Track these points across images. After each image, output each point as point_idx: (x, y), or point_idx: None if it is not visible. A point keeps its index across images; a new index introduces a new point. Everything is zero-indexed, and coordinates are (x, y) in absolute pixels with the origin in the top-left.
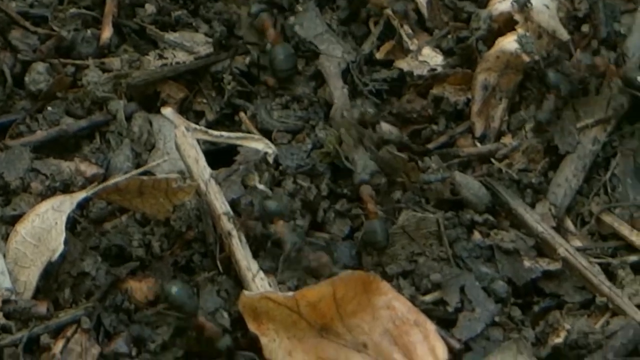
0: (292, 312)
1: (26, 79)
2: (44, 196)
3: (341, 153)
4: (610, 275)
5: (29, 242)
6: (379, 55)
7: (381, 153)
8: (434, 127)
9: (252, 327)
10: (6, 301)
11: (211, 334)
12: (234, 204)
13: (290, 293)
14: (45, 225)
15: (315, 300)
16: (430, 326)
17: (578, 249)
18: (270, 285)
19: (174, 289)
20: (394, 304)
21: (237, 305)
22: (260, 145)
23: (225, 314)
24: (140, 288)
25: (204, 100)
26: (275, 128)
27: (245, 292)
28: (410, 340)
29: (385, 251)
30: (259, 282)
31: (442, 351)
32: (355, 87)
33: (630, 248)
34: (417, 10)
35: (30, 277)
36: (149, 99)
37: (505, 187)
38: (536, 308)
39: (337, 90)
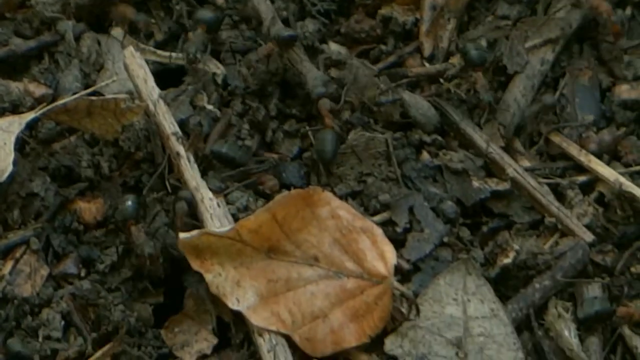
0: (235, 242)
1: None
2: None
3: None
4: (559, 195)
5: None
6: None
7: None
8: (383, 47)
9: (195, 265)
10: None
11: (135, 239)
12: (182, 124)
13: (229, 226)
14: None
15: (256, 227)
16: (377, 231)
17: (527, 169)
18: (218, 206)
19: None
20: (338, 212)
21: (187, 225)
22: (208, 65)
23: (173, 234)
24: (89, 209)
25: (153, 21)
26: (223, 48)
27: (182, 234)
28: (359, 247)
29: (334, 171)
30: (207, 203)
31: (391, 255)
32: (304, 7)
33: (579, 168)
34: None
35: None
36: (97, 20)
37: (454, 107)
38: (485, 228)
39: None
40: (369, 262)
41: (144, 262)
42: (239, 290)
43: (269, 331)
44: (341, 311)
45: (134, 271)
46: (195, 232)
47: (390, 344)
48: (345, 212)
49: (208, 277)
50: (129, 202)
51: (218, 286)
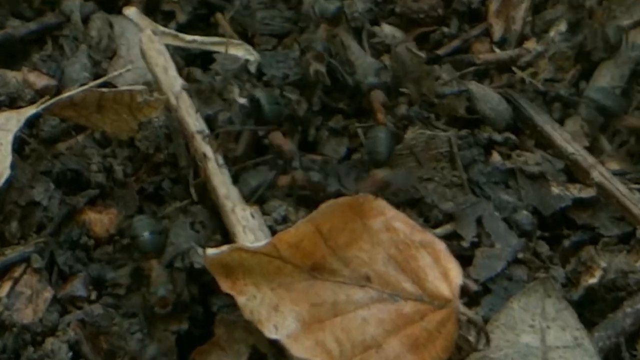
0: (272, 259)
1: None
2: None
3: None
4: None
5: None
6: None
7: (394, 51)
8: (445, 29)
9: (225, 287)
10: None
11: (153, 279)
12: (210, 120)
13: (264, 240)
14: None
15: (297, 241)
16: (440, 245)
17: (615, 173)
18: (253, 217)
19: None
20: (394, 224)
21: (213, 240)
22: (240, 51)
23: (200, 250)
24: (100, 220)
25: None
26: (257, 31)
27: (210, 251)
28: (419, 264)
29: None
30: (239, 214)
31: (456, 274)
32: None
33: None
34: None
35: None
36: None
37: (529, 101)
38: (566, 243)
39: None
40: (430, 283)
41: (156, 303)
42: (277, 315)
43: None
44: (398, 340)
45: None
46: (225, 248)
47: None
48: (402, 223)
49: (241, 300)
50: (146, 234)
51: (252, 311)
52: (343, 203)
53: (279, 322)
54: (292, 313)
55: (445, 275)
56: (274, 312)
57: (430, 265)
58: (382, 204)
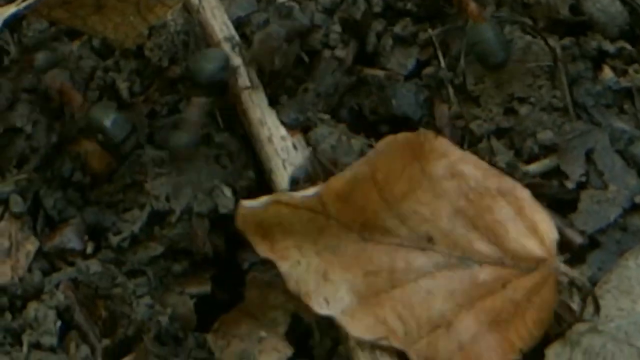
0: (316, 215)
1: None
2: None
3: None
4: None
5: None
6: None
7: None
8: None
9: (262, 250)
10: None
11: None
12: (241, 24)
13: (311, 190)
14: None
15: (346, 191)
16: (523, 193)
17: None
18: (295, 148)
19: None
20: (461, 169)
21: (244, 177)
22: None
23: (228, 191)
24: (98, 152)
25: None
26: None
27: (245, 203)
28: (496, 219)
29: (472, 95)
30: (278, 144)
31: (548, 226)
32: None
33: None
34: None
35: None
36: None
37: None
38: None
39: None
40: (513, 241)
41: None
42: (327, 286)
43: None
44: (473, 316)
45: (167, 245)
46: (262, 200)
47: (555, 358)
48: (472, 167)
49: (283, 267)
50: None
51: (298, 281)
52: (402, 141)
53: (329, 295)
54: (344, 283)
55: (533, 230)
56: (323, 282)
57: (512, 219)
58: (444, 143)
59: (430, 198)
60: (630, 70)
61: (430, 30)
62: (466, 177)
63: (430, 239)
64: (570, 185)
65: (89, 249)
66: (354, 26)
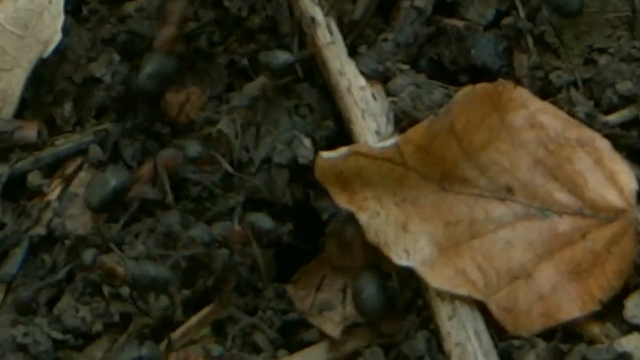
0: (395, 166)
1: None
2: None
3: None
4: None
5: (9, 31)
6: None
7: None
8: None
9: (341, 200)
10: None
11: None
12: None
13: (390, 141)
14: (33, 6)
15: (425, 142)
16: (602, 143)
17: None
18: (374, 98)
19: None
20: (540, 119)
21: (324, 128)
22: None
23: (307, 141)
24: (177, 101)
25: None
26: None
27: (324, 154)
28: (576, 169)
29: (554, 46)
30: (357, 94)
31: (628, 177)
32: None
33: None
34: None
35: (12, 84)
36: None
37: None
38: None
39: None
40: (593, 191)
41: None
42: (407, 237)
43: (452, 295)
44: (552, 267)
45: (247, 195)
46: (341, 151)
47: (635, 309)
48: (551, 117)
49: (362, 218)
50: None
51: (377, 232)
52: (480, 91)
53: (409, 246)
54: (424, 234)
55: (612, 180)
56: (403, 233)
57: (591, 169)
58: (524, 93)
59: (510, 148)
60: None
61: None
62: (545, 128)
63: (509, 190)
64: None
65: (168, 199)
66: None
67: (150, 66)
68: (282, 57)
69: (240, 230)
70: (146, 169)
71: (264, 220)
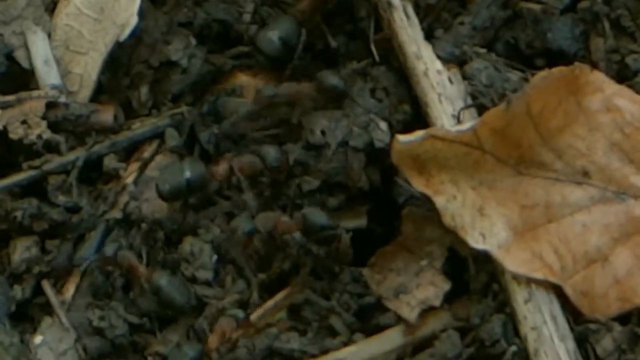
0: (472, 150)
1: None
2: None
3: None
4: None
5: (85, 14)
6: None
7: None
8: None
9: (418, 183)
10: (52, 105)
11: None
12: None
13: (466, 125)
14: None
15: (502, 126)
16: None
17: None
18: (450, 82)
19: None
20: (616, 103)
21: (400, 111)
22: None
23: (383, 124)
24: (254, 85)
25: None
26: None
27: (401, 138)
28: None
29: (629, 32)
30: (434, 78)
31: None
32: None
33: None
34: None
35: (89, 68)
36: None
37: None
38: None
39: None
40: None
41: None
42: (483, 220)
43: (529, 278)
44: (629, 251)
45: (323, 179)
46: (417, 135)
47: None
48: (628, 101)
49: (439, 201)
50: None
51: (454, 216)
52: (557, 75)
53: (485, 229)
54: (500, 218)
55: None
56: (479, 217)
57: None
58: (600, 77)
59: (586, 132)
60: None
61: None
62: (622, 111)
63: (585, 173)
64: None
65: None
66: None
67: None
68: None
69: (287, 221)
70: (223, 167)
71: (318, 216)
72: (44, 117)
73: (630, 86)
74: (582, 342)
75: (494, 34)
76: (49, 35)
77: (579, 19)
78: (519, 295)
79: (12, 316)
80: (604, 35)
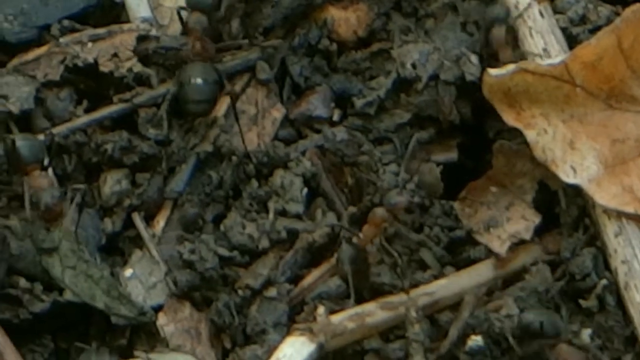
0: (562, 84)
1: None
2: None
3: None
4: None
5: None
6: None
7: None
8: None
9: (508, 118)
10: (143, 38)
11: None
12: None
13: (557, 58)
14: None
15: (593, 60)
16: None
17: None
18: (542, 15)
19: None
20: None
21: (489, 45)
22: None
23: (474, 58)
24: (346, 19)
25: None
26: None
27: (492, 71)
28: None
29: None
30: (525, 12)
31: None
32: None
33: None
34: None
35: (180, 1)
36: None
37: None
38: None
39: None
40: None
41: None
42: (574, 154)
43: (619, 212)
44: None
45: (414, 112)
46: (508, 69)
47: None
48: None
49: (530, 135)
50: None
51: (544, 149)
52: None
53: (576, 163)
54: (591, 151)
55: None
56: (570, 150)
57: None
58: None
59: None
60: None
61: None
62: None
63: None
64: None
65: (336, 117)
66: None
67: None
68: None
69: (405, 200)
70: None
71: None
72: (134, 51)
73: None
74: None
75: None
76: None
77: None
78: (609, 228)
79: (102, 249)
80: None
